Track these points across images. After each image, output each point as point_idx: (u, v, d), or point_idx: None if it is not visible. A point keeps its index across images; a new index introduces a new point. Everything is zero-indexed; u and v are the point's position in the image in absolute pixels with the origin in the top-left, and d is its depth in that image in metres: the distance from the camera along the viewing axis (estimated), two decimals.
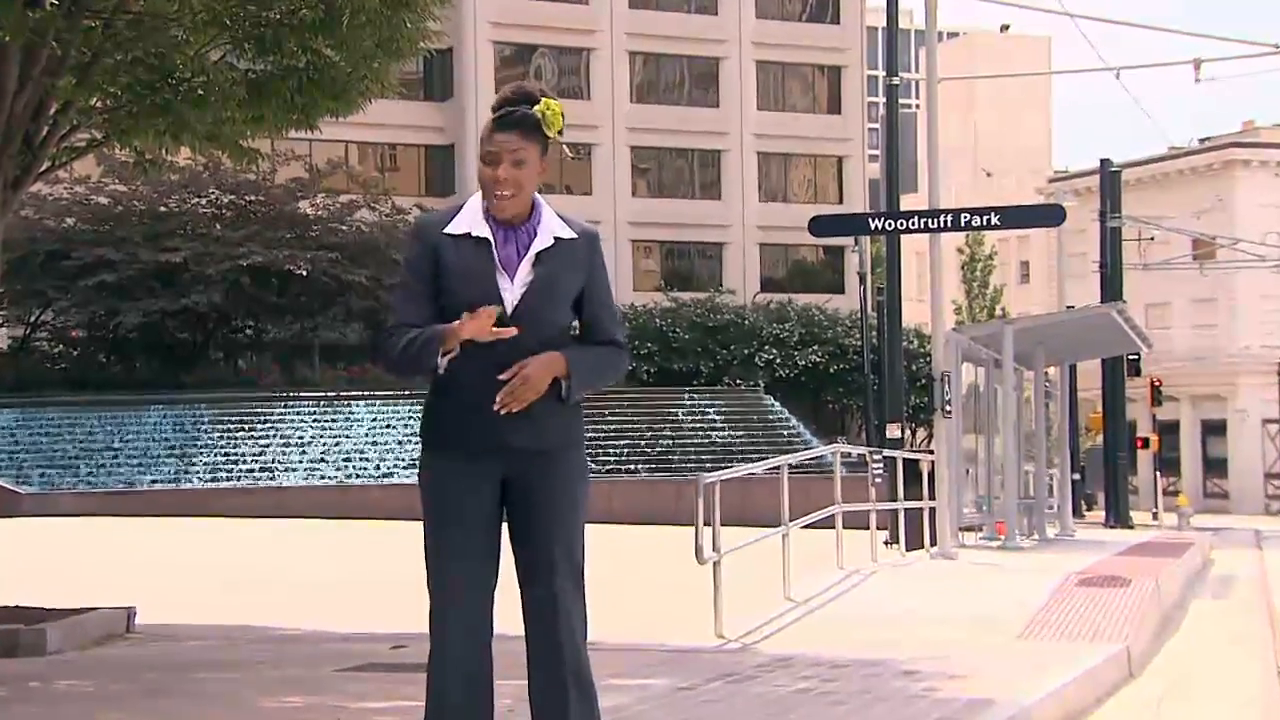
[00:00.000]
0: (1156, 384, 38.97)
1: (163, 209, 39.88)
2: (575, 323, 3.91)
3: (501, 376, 3.69)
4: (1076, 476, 31.50)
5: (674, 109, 49.93)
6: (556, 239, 3.82)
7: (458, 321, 3.68)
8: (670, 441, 38.92)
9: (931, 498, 15.37)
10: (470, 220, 3.81)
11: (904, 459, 16.32)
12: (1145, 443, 39.30)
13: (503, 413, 3.70)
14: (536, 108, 3.79)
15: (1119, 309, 19.38)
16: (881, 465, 17.17)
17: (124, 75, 8.95)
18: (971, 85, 61.17)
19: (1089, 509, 37.93)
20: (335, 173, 43.77)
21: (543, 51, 48.98)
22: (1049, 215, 17.40)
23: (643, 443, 38.50)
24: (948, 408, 15.37)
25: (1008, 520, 17.40)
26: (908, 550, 15.32)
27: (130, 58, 8.78)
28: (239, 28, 8.52)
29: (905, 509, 15.65)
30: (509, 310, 3.75)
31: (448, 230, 3.80)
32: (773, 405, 42.26)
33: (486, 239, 3.78)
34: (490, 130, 3.78)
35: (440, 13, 9.03)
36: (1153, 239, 44.94)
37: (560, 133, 3.84)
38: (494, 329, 3.67)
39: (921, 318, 38.79)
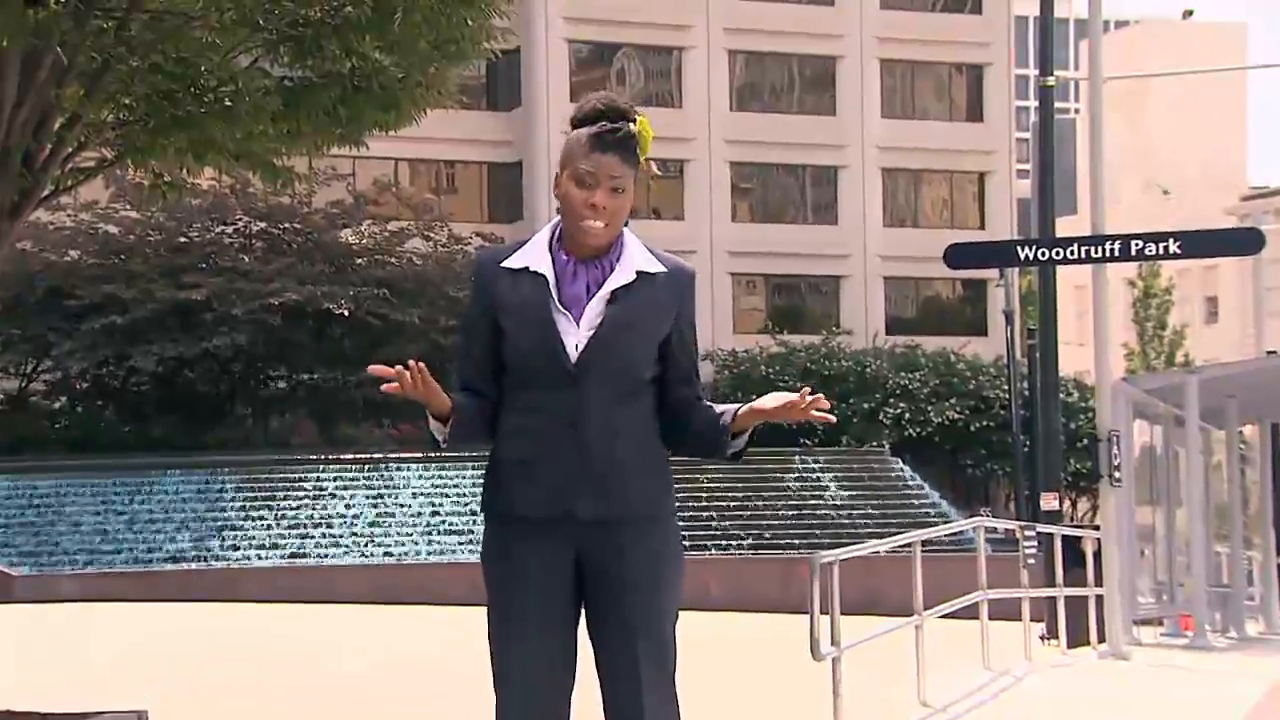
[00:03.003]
0: None
1: (182, 239, 40.69)
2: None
3: (809, 396, 3.72)
4: None
5: (782, 117, 50.06)
6: (639, 273, 3.83)
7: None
8: (778, 512, 38.74)
9: (1098, 584, 15.12)
10: (533, 253, 3.86)
11: (1063, 536, 16.10)
12: None
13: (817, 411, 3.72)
14: (633, 127, 3.83)
15: None
16: (1035, 543, 16.94)
17: (140, 84, 9.14)
18: (1145, 84, 60.59)
19: None
20: (383, 196, 44.38)
21: (626, 51, 49.39)
22: (1243, 241, 17.13)
23: (745, 514, 38.37)
24: (1117, 475, 15.14)
25: (1195, 613, 17.06)
26: (1069, 647, 15.09)
27: (147, 64, 8.97)
28: (273, 28, 8.68)
29: (1066, 597, 15.42)
30: (573, 357, 3.78)
31: (505, 264, 3.85)
32: (901, 470, 41.95)
33: (543, 275, 3.81)
34: (588, 148, 3.79)
35: (507, 9, 9.13)
36: None
37: (646, 158, 3.90)
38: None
39: (1083, 365, 38.23)
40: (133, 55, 8.95)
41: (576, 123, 3.86)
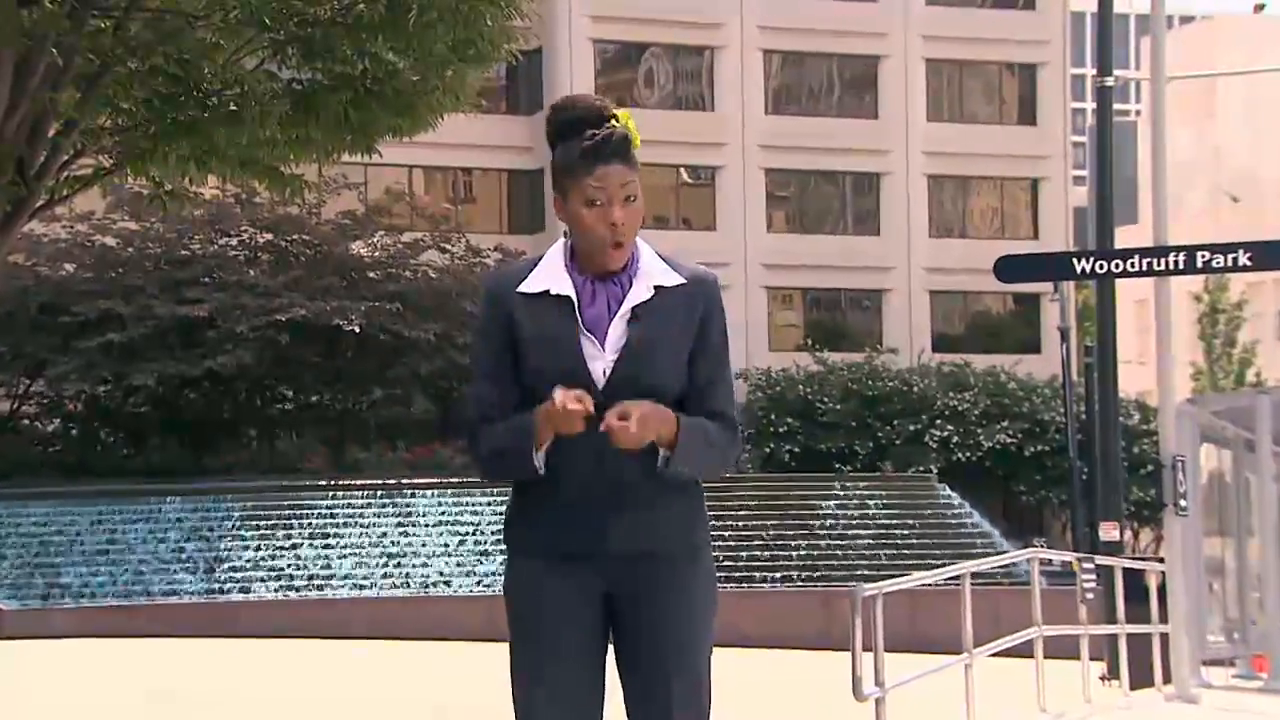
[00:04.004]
0: None
1: (183, 252, 40.87)
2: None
3: (611, 413, 3.65)
4: None
5: (820, 121, 50.08)
6: (657, 288, 3.83)
7: (544, 408, 3.69)
8: (817, 542, 38.64)
9: (1163, 620, 15.03)
10: (550, 274, 3.84)
11: (1125, 568, 16.01)
12: None
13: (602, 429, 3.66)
14: (617, 124, 3.81)
15: None
16: (1094, 576, 16.85)
17: (139, 87, 9.20)
18: (1212, 84, 60.38)
19: None
20: (396, 205, 44.51)
21: (655, 51, 49.49)
22: None
23: (781, 544, 38.29)
24: (1182, 503, 15.06)
25: (1272, 652, 16.94)
26: (1132, 689, 15.00)
27: (147, 66, 9.03)
28: (281, 28, 8.73)
29: (1128, 634, 15.33)
30: (600, 383, 3.77)
31: (522, 288, 3.84)
32: (949, 497, 41.82)
33: (568, 297, 3.80)
34: (589, 163, 3.78)
35: (529, 8, 9.16)
36: None
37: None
38: (581, 404, 3.66)
39: (1145, 385, 38.09)
40: (132, 57, 9.01)
41: (558, 135, 3.85)
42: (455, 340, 39.33)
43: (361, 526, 37.14)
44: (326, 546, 36.57)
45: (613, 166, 3.78)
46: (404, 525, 37.31)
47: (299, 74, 9.27)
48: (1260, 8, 69.73)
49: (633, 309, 3.80)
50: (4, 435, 41.08)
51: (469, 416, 3.89)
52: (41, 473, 39.10)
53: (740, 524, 37.83)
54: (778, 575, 37.15)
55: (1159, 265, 14.82)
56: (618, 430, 3.66)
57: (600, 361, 3.79)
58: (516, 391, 3.85)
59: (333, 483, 38.39)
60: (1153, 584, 15.54)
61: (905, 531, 39.62)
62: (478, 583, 35.20)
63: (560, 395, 3.66)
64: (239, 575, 35.68)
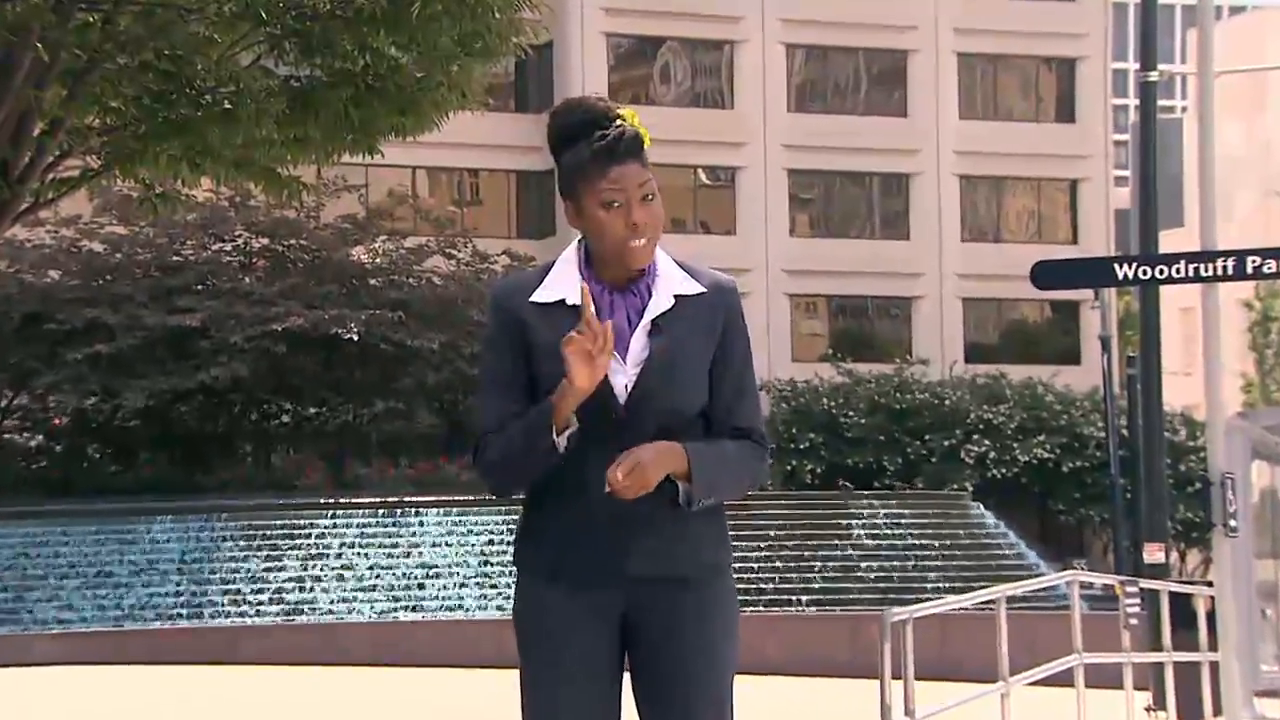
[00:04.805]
0: None
1: (175, 258, 40.95)
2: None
3: (611, 470, 3.68)
4: None
5: (846, 119, 50.09)
6: (677, 297, 3.84)
7: (564, 381, 3.69)
8: (843, 564, 38.61)
9: (1213, 648, 14.98)
10: (564, 282, 3.86)
11: (1171, 592, 15.98)
12: None
13: (605, 490, 3.68)
14: (625, 124, 3.82)
15: None
16: (1138, 600, 16.82)
17: (129, 84, 9.23)
18: (1263, 79, 60.32)
19: None
20: (399, 208, 44.56)
21: (671, 45, 49.54)
22: None
23: (806, 566, 38.25)
24: (1232, 523, 15.00)
25: None
26: None
27: (137, 62, 9.06)
28: (279, 21, 8.75)
29: (1174, 663, 15.30)
30: (622, 398, 3.79)
31: (535, 298, 3.85)
32: (983, 516, 41.76)
33: (583, 308, 3.79)
34: (602, 164, 3.79)
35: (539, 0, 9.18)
36: None
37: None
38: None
39: (1192, 398, 38.04)
40: (121, 52, 9.04)
41: (562, 140, 3.85)
42: (461, 350, 39.37)
43: (362, 546, 37.16)
44: (325, 567, 36.59)
45: (628, 166, 3.80)
46: (407, 545, 37.31)
47: (297, 70, 9.30)
48: None
49: (653, 320, 3.82)
50: None
51: (477, 429, 3.90)
52: (25, 490, 39.16)
53: (763, 545, 37.80)
54: (803, 599, 37.10)
55: (1206, 271, 14.76)
56: (618, 487, 3.67)
57: (621, 376, 3.80)
58: (529, 403, 3.85)
59: (332, 500, 38.42)
60: (1201, 609, 15.50)
61: (936, 552, 39.56)
62: (485, 606, 35.19)
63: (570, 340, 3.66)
64: (233, 598, 35.71)
